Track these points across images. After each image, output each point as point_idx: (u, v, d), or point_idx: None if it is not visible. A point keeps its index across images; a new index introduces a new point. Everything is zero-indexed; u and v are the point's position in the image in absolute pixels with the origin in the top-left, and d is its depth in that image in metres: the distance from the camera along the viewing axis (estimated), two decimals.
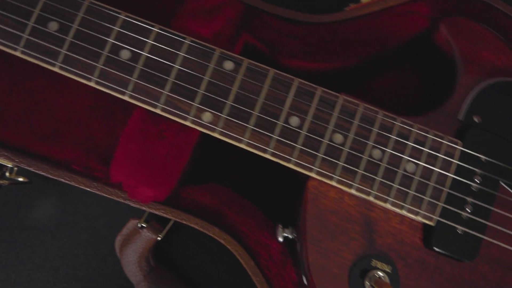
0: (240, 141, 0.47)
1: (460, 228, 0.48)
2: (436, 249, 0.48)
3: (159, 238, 0.53)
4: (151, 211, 0.49)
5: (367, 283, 0.47)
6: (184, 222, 0.49)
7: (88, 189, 0.49)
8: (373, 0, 0.54)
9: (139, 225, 0.52)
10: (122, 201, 0.49)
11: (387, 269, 0.48)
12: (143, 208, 0.49)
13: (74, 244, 0.62)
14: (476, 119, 0.51)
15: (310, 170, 0.47)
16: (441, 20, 0.52)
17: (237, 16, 0.50)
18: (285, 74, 0.47)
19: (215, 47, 0.47)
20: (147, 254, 0.55)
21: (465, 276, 0.49)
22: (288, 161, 0.47)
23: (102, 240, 0.62)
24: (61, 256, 0.61)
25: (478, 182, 0.49)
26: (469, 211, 0.48)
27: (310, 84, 0.48)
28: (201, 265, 0.61)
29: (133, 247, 0.54)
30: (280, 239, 0.50)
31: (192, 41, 0.47)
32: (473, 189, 0.49)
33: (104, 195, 0.49)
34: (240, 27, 0.52)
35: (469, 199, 0.49)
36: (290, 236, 0.51)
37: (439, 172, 0.48)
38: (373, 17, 0.53)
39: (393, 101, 0.61)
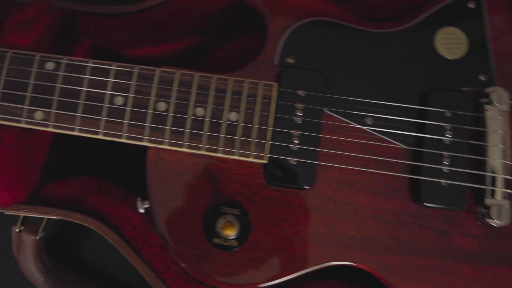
0: (72, 129, 0.51)
1: (292, 159, 0.52)
2: (276, 184, 0.52)
3: (37, 238, 0.57)
4: (16, 213, 0.53)
5: (218, 230, 0.51)
6: (49, 216, 0.53)
7: None
8: None
9: (17, 230, 0.57)
10: None
11: (236, 212, 0.52)
12: (11, 212, 0.54)
13: None
14: (290, 60, 0.55)
15: (141, 140, 0.51)
16: None
17: (56, 22, 0.55)
18: (102, 61, 0.52)
19: (35, 53, 0.52)
20: (38, 256, 0.59)
21: (313, 202, 0.53)
22: (119, 136, 0.51)
23: (9, 258, 0.66)
24: None
25: (301, 114, 0.53)
26: (297, 142, 0.53)
27: (128, 64, 0.53)
28: (100, 256, 0.65)
29: (24, 253, 0.58)
30: (141, 211, 0.54)
31: (13, 53, 0.52)
32: (297, 121, 0.53)
33: None
34: (65, 31, 0.57)
35: (295, 132, 0.53)
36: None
37: (260, 114, 0.52)
38: None
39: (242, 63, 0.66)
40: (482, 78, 0.56)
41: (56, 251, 0.63)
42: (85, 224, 0.53)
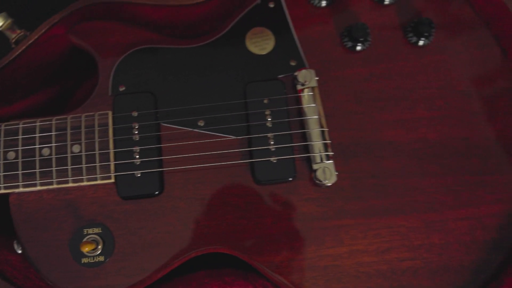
0: None
1: (137, 173, 0.59)
2: (128, 197, 0.58)
3: None
4: None
5: (81, 250, 0.57)
6: None
7: None
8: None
9: None
10: None
11: (98, 231, 0.58)
12: None
13: None
14: (121, 88, 0.62)
15: None
16: (68, 33, 0.64)
17: None
18: None
19: None
20: None
21: (166, 205, 0.59)
22: None
23: None
24: None
25: (137, 132, 0.60)
26: (138, 157, 0.59)
27: None
28: None
29: None
30: (19, 251, 0.59)
31: None
32: (136, 139, 0.60)
33: None
34: None
35: (135, 148, 0.59)
36: None
37: (99, 141, 0.59)
38: (25, 54, 0.65)
39: None
40: (293, 63, 0.64)
41: None
42: None
